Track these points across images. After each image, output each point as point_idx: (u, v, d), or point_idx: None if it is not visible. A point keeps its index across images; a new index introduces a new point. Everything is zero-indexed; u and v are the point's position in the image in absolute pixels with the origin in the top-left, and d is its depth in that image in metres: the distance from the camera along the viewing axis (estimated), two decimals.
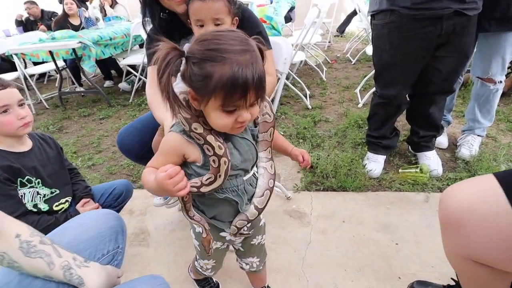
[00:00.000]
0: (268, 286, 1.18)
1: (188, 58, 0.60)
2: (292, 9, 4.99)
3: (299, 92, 2.95)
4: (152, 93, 1.18)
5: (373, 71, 1.77)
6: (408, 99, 1.74)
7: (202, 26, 1.02)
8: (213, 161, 0.68)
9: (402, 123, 2.33)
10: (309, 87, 3.34)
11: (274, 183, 0.82)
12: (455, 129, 2.22)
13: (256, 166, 0.81)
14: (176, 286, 1.27)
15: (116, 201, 1.40)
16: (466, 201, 0.69)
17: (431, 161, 1.80)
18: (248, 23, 1.19)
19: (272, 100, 1.86)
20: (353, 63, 4.12)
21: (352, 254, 1.33)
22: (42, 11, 5.17)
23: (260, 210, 0.80)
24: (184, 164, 0.74)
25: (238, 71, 0.56)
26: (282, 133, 2.41)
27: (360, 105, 2.78)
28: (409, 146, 1.99)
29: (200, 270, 1.01)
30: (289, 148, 0.96)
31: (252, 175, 0.79)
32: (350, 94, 3.10)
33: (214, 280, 1.23)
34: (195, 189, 0.71)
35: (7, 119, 1.08)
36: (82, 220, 0.94)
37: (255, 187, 0.80)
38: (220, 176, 0.69)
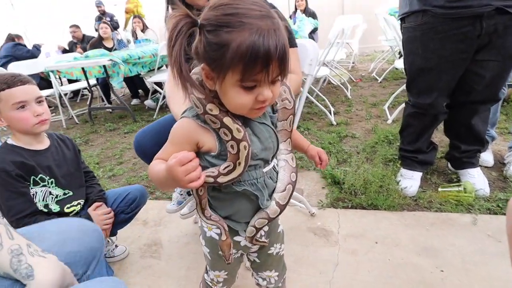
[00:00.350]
0: None
1: (202, 27, 0.53)
2: (315, 30, 5.03)
3: (323, 108, 2.85)
4: (171, 87, 1.13)
5: (402, 87, 1.64)
6: (445, 109, 1.59)
7: None
8: (231, 146, 0.59)
9: (438, 138, 2.14)
10: (333, 104, 3.23)
11: (296, 177, 0.71)
12: (500, 146, 2.00)
13: (276, 158, 0.71)
14: None
15: (129, 207, 1.33)
16: None
17: (476, 179, 1.59)
18: None
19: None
20: (379, 81, 3.99)
21: (388, 280, 1.14)
22: (84, 35, 5.59)
23: (282, 207, 0.69)
24: (197, 154, 0.65)
25: (259, 39, 0.49)
26: None
27: (389, 121, 2.62)
28: (449, 163, 1.79)
29: (210, 284, 0.88)
30: (305, 145, 0.86)
31: (272, 167, 0.69)
32: (378, 111, 2.95)
33: None
34: (211, 179, 0.61)
35: (23, 115, 1.06)
36: (66, 226, 0.84)
37: (276, 182, 0.70)
38: (240, 163, 0.60)
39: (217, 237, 0.74)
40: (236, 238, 0.75)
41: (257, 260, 0.84)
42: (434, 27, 1.33)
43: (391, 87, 3.65)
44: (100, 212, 1.22)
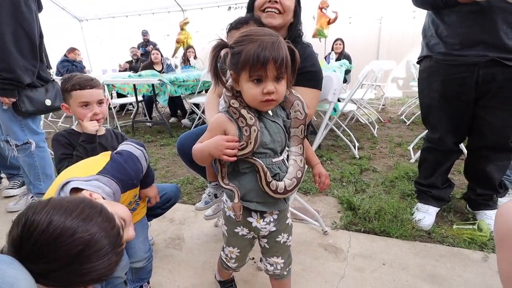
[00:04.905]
0: None
1: (230, 46, 0.80)
2: (348, 71, 5.28)
3: (348, 142, 2.97)
4: (211, 97, 1.36)
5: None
6: (460, 148, 1.68)
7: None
8: (245, 130, 0.81)
9: (460, 181, 2.17)
10: (359, 140, 3.34)
11: (302, 174, 0.89)
12: None
13: (286, 154, 0.90)
14: None
15: (164, 205, 1.49)
16: None
17: (492, 221, 1.58)
18: (306, 59, 1.21)
19: (313, 132, 1.99)
20: (407, 124, 4.06)
21: None
22: (138, 58, 6.33)
23: (286, 191, 0.85)
24: None
25: (259, 47, 0.74)
26: None
27: (412, 160, 2.67)
28: (467, 204, 1.82)
29: (225, 260, 1.02)
30: (313, 162, 1.03)
31: (282, 161, 0.87)
32: (402, 150, 3.01)
33: None
34: None
35: (85, 112, 1.25)
36: None
37: (285, 173, 0.88)
38: (250, 142, 0.80)
39: (233, 217, 0.90)
40: (249, 219, 0.91)
41: (267, 246, 0.98)
42: (437, 71, 1.51)
43: (419, 130, 3.70)
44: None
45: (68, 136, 1.28)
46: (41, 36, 1.78)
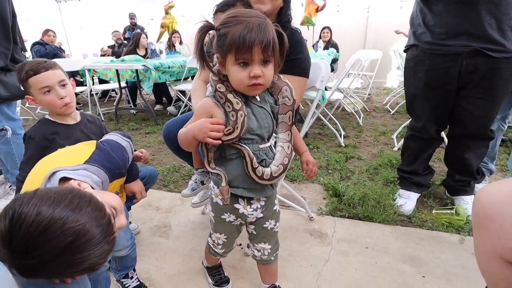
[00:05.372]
0: (278, 286, 1.13)
1: (216, 28, 0.78)
2: (335, 60, 5.29)
3: (334, 130, 3.01)
4: (197, 83, 1.34)
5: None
6: (441, 136, 1.73)
7: None
8: (232, 115, 0.80)
9: (440, 168, 2.24)
10: (345, 129, 3.38)
11: (288, 161, 0.88)
12: None
13: (274, 140, 0.90)
14: (188, 276, 1.28)
15: None
16: (498, 194, 0.67)
17: (469, 206, 1.68)
18: (294, 46, 1.17)
19: (301, 120, 2.01)
20: (392, 113, 4.14)
21: (372, 278, 1.24)
22: (122, 43, 6.10)
23: (272, 178, 0.85)
24: None
25: (245, 29, 0.72)
26: None
27: (395, 149, 2.74)
28: (446, 190, 1.89)
29: (212, 246, 1.03)
30: (301, 149, 1.03)
31: (269, 147, 0.87)
32: (386, 139, 3.08)
33: (225, 273, 1.21)
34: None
35: (49, 98, 1.13)
36: None
37: (272, 159, 0.88)
38: (237, 127, 0.79)
39: (221, 203, 0.91)
40: (236, 206, 0.91)
41: (254, 232, 0.99)
42: (423, 60, 1.53)
43: (402, 119, 3.78)
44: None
45: (44, 131, 1.17)
46: (14, 15, 1.67)
